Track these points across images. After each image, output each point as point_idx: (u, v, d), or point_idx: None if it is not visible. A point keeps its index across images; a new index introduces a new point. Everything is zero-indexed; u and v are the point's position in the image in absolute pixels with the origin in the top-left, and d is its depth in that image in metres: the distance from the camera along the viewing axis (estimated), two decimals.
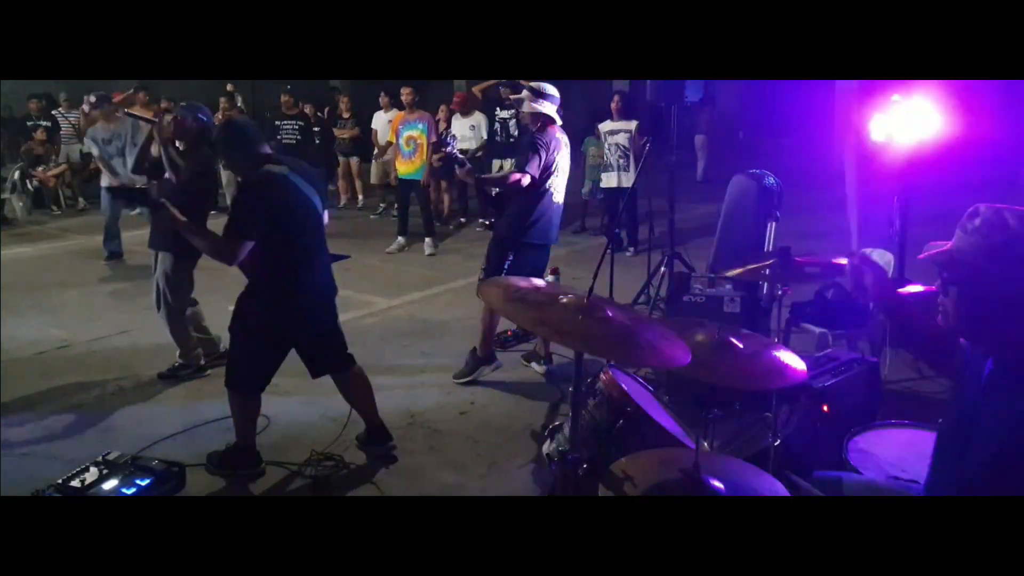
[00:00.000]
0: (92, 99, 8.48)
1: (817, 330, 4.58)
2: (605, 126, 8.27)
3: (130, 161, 7.46)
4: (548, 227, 4.67)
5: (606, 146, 8.17)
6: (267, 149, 3.56)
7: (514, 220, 4.64)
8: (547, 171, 4.54)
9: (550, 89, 4.62)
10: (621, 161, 8.10)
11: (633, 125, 8.10)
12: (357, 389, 3.85)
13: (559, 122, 4.67)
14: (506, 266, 4.60)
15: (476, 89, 9.51)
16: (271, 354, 3.60)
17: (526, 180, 4.48)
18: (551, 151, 4.53)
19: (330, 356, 3.76)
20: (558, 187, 4.65)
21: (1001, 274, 1.62)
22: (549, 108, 4.59)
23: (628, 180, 8.06)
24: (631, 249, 8.18)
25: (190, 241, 3.62)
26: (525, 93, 4.68)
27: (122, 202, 8.01)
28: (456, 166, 4.82)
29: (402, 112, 8.58)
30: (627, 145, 8.05)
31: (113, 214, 8.11)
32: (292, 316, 3.55)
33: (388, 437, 3.92)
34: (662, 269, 6.00)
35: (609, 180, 8.21)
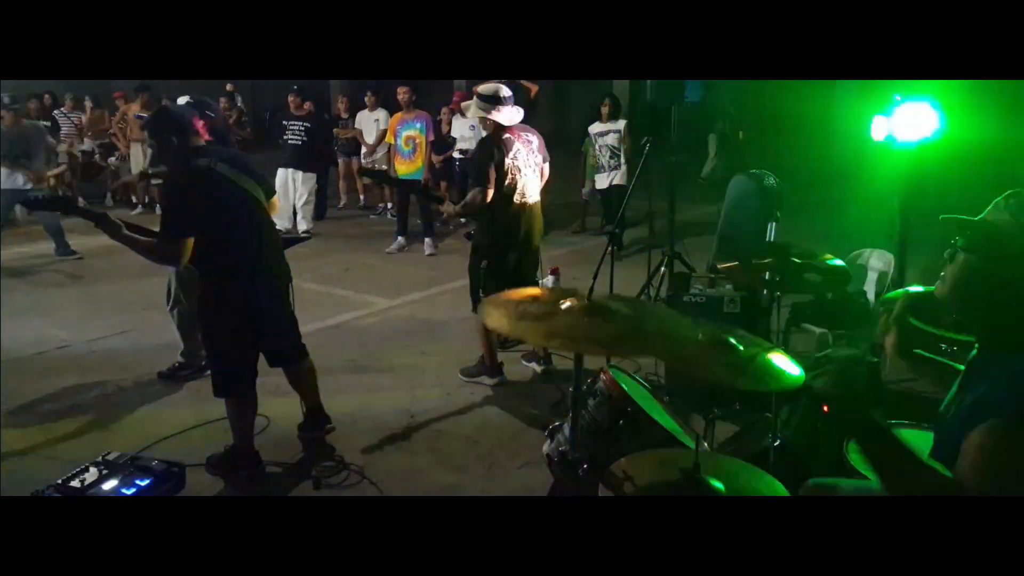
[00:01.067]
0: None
1: (817, 330, 4.58)
2: (594, 128, 8.27)
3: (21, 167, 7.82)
4: (518, 231, 4.60)
5: (596, 147, 8.17)
6: (199, 142, 3.49)
7: (482, 227, 4.64)
8: (501, 176, 4.46)
9: (503, 92, 4.54)
10: (612, 161, 8.10)
11: (622, 125, 8.11)
12: (306, 380, 3.87)
13: (511, 123, 4.55)
14: (481, 276, 4.58)
15: (476, 89, 9.49)
16: (243, 351, 3.57)
17: (490, 195, 4.43)
18: (500, 156, 4.44)
19: (287, 346, 3.76)
20: (522, 187, 4.56)
21: (1015, 256, 1.61)
22: (497, 114, 4.49)
23: (620, 179, 8.06)
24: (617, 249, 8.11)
25: (135, 251, 3.39)
26: (474, 99, 4.63)
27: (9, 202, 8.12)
28: (435, 204, 4.76)
29: (400, 112, 8.59)
30: (617, 145, 8.06)
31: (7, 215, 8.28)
32: (247, 307, 3.50)
33: (327, 420, 3.93)
34: (662, 269, 6.00)
35: (601, 181, 8.21)
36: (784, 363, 2.11)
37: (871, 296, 4.83)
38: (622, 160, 8.10)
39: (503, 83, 8.49)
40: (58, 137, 11.42)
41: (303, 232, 8.97)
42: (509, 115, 4.55)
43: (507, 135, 4.53)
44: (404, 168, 8.37)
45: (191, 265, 3.43)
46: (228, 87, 12.23)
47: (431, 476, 3.75)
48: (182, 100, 5.02)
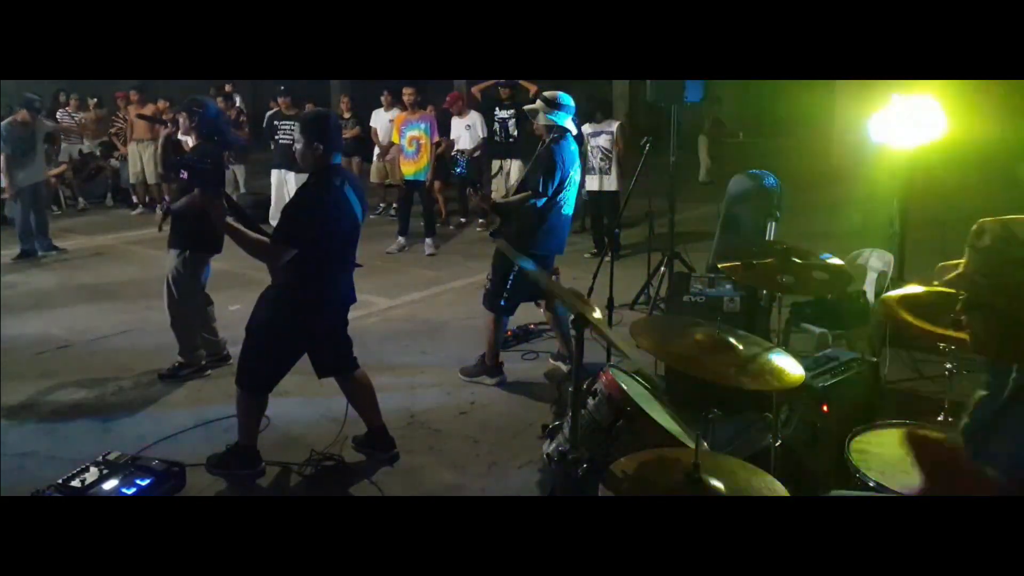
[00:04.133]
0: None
1: (817, 330, 4.58)
2: (586, 129, 8.16)
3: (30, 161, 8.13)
4: (554, 239, 4.65)
5: (589, 148, 8.04)
6: (338, 159, 3.54)
7: (521, 231, 4.61)
8: (560, 187, 4.50)
9: (566, 99, 4.55)
10: (603, 164, 7.98)
11: (615, 126, 8.03)
12: (359, 391, 3.85)
13: (575, 132, 4.60)
14: (511, 277, 4.57)
15: (475, 89, 9.50)
16: (285, 357, 3.62)
17: (542, 201, 4.47)
18: (566, 165, 4.49)
19: (337, 358, 3.78)
20: (568, 199, 4.62)
21: (1018, 288, 1.58)
22: (565, 119, 4.52)
23: (609, 183, 7.97)
24: (594, 252, 8.06)
25: (237, 244, 3.42)
26: (539, 103, 4.61)
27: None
28: (471, 192, 4.78)
29: (404, 112, 8.59)
30: (609, 147, 7.95)
31: (24, 214, 8.39)
32: (312, 324, 3.58)
33: (390, 445, 3.89)
34: (662, 269, 6.00)
35: (591, 183, 8.05)
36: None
37: (871, 296, 4.82)
38: (614, 163, 8.00)
39: (503, 82, 8.43)
40: (58, 137, 11.46)
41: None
42: (571, 124, 4.59)
43: (572, 147, 4.57)
44: (409, 168, 8.38)
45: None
46: (227, 87, 12.21)
47: (431, 476, 3.75)
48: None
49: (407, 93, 8.42)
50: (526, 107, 5.10)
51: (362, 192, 3.64)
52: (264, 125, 9.76)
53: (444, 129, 9.28)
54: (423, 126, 8.34)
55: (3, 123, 8.17)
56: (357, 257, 3.72)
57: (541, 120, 4.59)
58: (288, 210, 3.44)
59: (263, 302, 3.58)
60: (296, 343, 3.62)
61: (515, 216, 4.64)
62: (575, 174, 4.61)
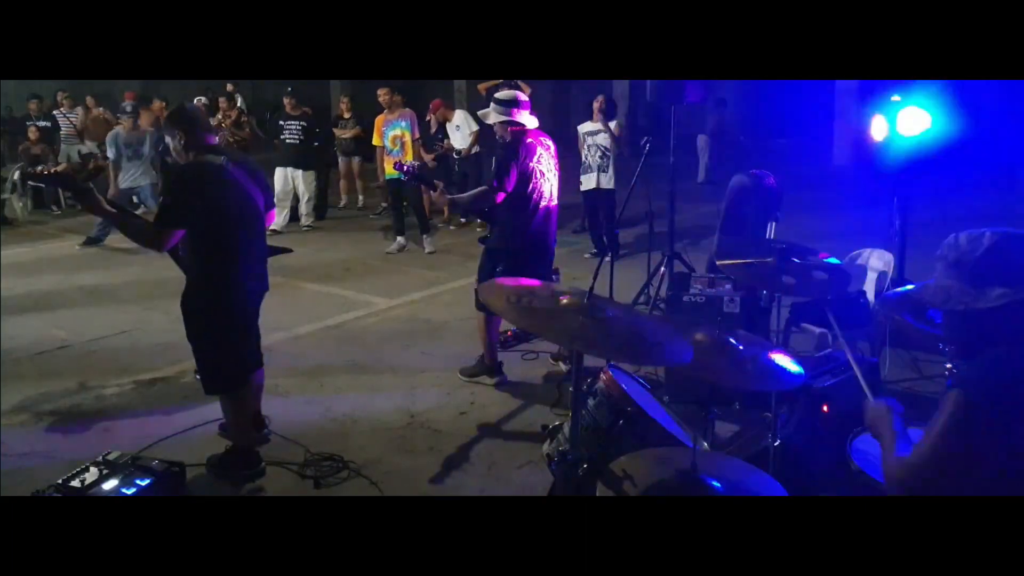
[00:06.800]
0: (128, 108, 8.97)
1: (817, 330, 4.58)
2: (584, 127, 8.07)
3: (135, 166, 8.51)
4: (539, 235, 4.60)
5: (586, 147, 7.98)
6: (213, 140, 3.56)
7: (503, 230, 4.60)
8: (525, 180, 4.44)
9: (522, 96, 4.52)
10: (601, 162, 7.96)
11: (613, 124, 8.00)
12: (256, 392, 3.90)
13: (532, 126, 4.55)
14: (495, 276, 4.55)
15: (482, 87, 9.50)
16: (238, 341, 3.60)
17: (499, 197, 4.41)
18: (524, 159, 4.42)
19: (258, 351, 3.78)
20: (545, 192, 4.56)
21: (971, 291, 1.65)
22: (519, 116, 4.47)
23: (608, 182, 7.95)
24: (594, 252, 8.04)
25: (118, 229, 3.56)
26: (492, 105, 4.58)
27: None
28: (431, 191, 4.77)
29: (384, 113, 8.60)
30: (607, 146, 7.92)
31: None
32: (236, 307, 3.56)
33: (262, 425, 3.97)
34: (662, 269, 6.00)
35: (588, 182, 8.01)
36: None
37: (871, 296, 4.83)
38: (611, 162, 7.98)
39: (503, 83, 8.46)
40: (58, 137, 11.46)
41: (304, 226, 9.44)
42: (530, 119, 4.55)
43: (530, 139, 4.52)
44: (392, 167, 8.38)
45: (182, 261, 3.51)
46: (228, 87, 12.23)
47: (431, 476, 3.75)
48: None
49: (382, 93, 8.44)
50: (479, 112, 5.05)
51: (255, 172, 3.64)
52: (267, 124, 9.90)
53: (443, 134, 9.37)
54: (404, 124, 8.35)
55: (110, 133, 8.71)
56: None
57: (492, 119, 4.56)
58: (167, 193, 3.48)
59: (183, 304, 3.56)
60: (237, 323, 3.58)
61: (496, 216, 4.62)
62: (544, 166, 4.52)
